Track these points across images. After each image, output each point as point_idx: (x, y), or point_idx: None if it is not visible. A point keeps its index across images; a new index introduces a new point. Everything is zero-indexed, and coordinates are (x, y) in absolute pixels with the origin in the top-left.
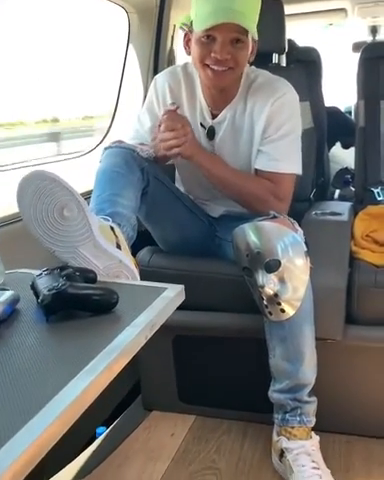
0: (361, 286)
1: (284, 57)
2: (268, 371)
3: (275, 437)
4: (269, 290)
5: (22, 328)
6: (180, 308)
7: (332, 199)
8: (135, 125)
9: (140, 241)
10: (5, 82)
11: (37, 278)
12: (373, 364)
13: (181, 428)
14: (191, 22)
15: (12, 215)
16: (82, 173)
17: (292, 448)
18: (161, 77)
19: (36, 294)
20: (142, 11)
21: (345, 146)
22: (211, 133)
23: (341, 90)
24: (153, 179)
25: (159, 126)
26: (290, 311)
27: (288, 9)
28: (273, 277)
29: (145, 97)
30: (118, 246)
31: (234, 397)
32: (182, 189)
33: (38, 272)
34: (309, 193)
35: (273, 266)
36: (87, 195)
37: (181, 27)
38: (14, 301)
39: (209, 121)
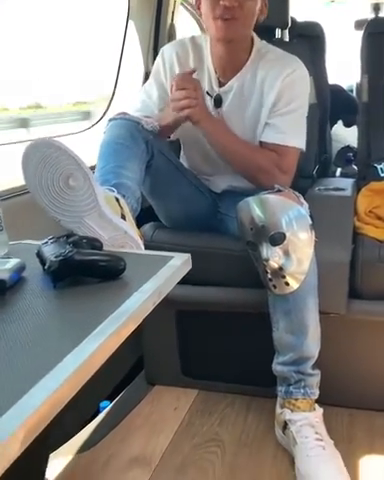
0: (365, 261)
1: (287, 32)
2: (271, 345)
3: (278, 409)
4: (274, 263)
5: (29, 295)
6: (183, 283)
7: (334, 177)
8: (141, 96)
9: (143, 217)
10: None
11: (43, 246)
12: (376, 338)
13: (184, 402)
14: None
15: (15, 188)
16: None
17: (295, 420)
18: (169, 47)
19: (42, 262)
20: None
21: (347, 124)
22: (218, 101)
23: (342, 69)
24: (158, 152)
25: (171, 87)
26: (294, 284)
27: None
28: (278, 250)
29: (146, 73)
30: (123, 217)
31: (237, 371)
32: (186, 165)
33: (44, 241)
34: (312, 169)
35: (278, 239)
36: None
37: (182, 3)
38: (20, 268)
39: (216, 89)
